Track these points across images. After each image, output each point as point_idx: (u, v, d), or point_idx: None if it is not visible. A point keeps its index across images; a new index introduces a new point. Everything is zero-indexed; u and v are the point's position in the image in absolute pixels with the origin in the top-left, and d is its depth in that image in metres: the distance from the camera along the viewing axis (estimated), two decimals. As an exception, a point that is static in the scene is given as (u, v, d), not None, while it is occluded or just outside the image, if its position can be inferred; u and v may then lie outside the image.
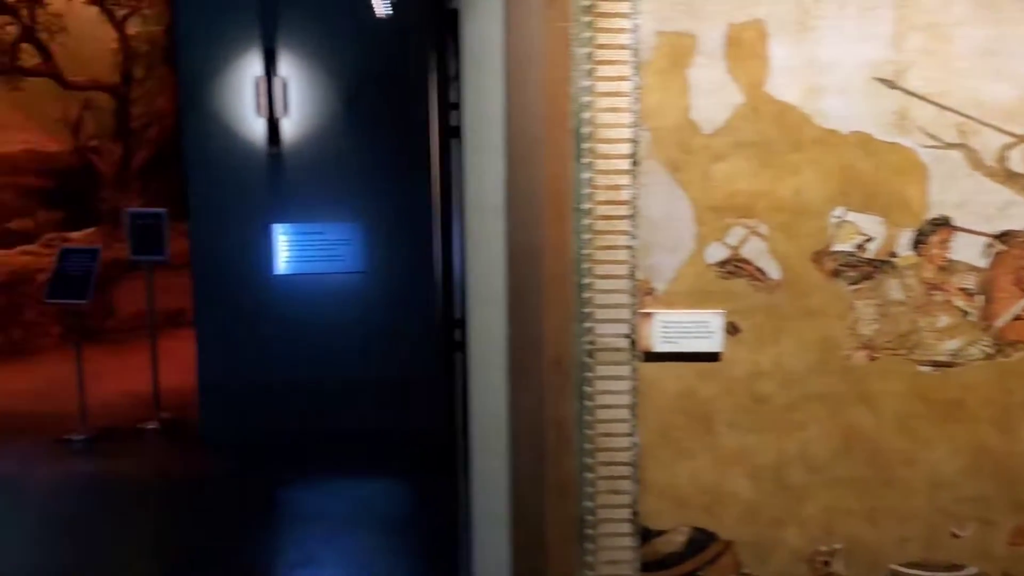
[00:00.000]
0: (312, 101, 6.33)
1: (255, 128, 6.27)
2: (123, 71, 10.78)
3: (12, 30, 9.48)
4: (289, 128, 6.32)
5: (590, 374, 2.24)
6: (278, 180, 6.35)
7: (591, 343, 2.24)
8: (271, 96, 6.16)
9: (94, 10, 10.29)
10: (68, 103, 10.68)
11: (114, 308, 10.09)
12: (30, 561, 4.66)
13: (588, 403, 2.25)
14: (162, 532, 5.10)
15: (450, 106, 2.67)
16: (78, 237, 10.61)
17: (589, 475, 2.26)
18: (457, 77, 2.73)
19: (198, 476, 5.80)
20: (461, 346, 2.72)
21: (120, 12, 10.40)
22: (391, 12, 4.15)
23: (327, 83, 6.34)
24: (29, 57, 9.81)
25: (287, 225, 6.34)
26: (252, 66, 6.21)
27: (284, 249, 6.37)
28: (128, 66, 10.77)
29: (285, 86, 6.24)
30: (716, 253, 2.25)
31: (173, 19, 6.36)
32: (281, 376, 6.44)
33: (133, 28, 10.78)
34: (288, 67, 6.26)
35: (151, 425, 6.75)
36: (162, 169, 11.02)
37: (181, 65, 6.21)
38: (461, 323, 2.69)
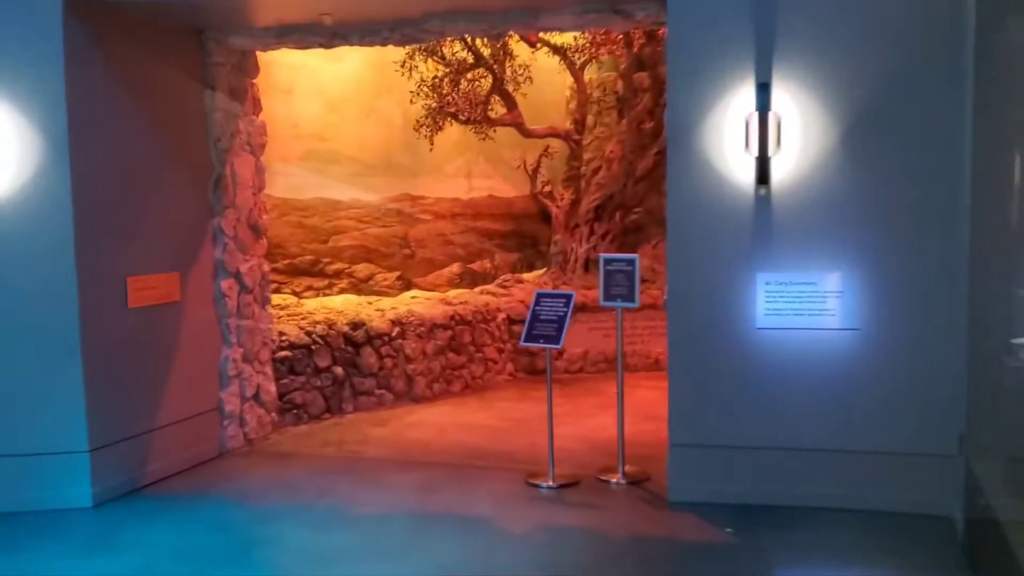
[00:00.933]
0: (807, 137, 5.71)
1: (742, 167, 5.79)
2: (577, 118, 11.05)
3: (485, 83, 10.06)
4: (780, 167, 5.75)
5: None
6: (765, 223, 5.80)
7: None
8: (763, 133, 5.65)
9: (555, 59, 10.65)
10: (525, 150, 11.19)
11: (563, 348, 10.23)
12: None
13: None
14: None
15: None
16: (530, 279, 11.02)
17: None
18: None
19: (677, 542, 5.34)
20: None
21: (579, 60, 10.65)
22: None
23: (825, 117, 5.69)
24: (497, 107, 10.35)
25: (773, 273, 5.77)
26: (743, 102, 5.75)
27: (768, 300, 5.79)
28: (583, 113, 11.02)
29: (779, 122, 5.69)
30: None
31: (664, 57, 6.12)
32: (760, 439, 5.85)
33: (587, 75, 11.02)
34: (782, 101, 5.71)
35: (614, 478, 6.49)
36: (609, 213, 11.12)
37: (670, 103, 5.92)
38: None
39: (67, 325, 5.94)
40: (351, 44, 7.14)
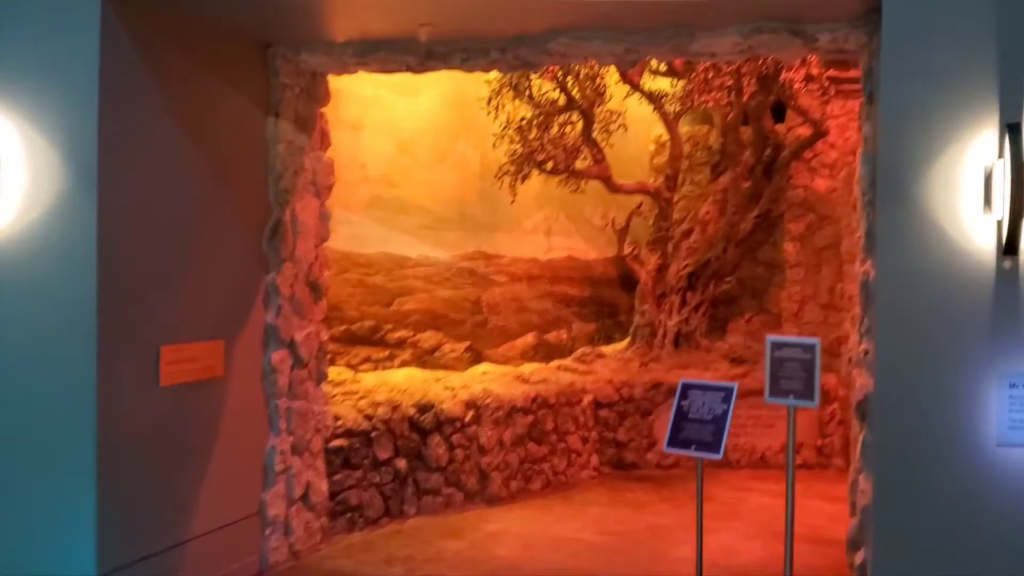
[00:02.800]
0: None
1: (981, 232, 4.37)
2: (669, 174, 9.70)
3: (575, 129, 8.72)
4: (1031, 233, 4.34)
5: None
6: (1011, 306, 4.36)
7: None
8: (1016, 188, 4.23)
9: (648, 108, 9.34)
10: (607, 206, 9.84)
11: (655, 439, 8.74)
12: None
13: None
14: None
15: None
16: (611, 353, 9.57)
17: None
18: None
19: None
20: None
21: (674, 109, 9.33)
22: None
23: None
24: (582, 158, 9.01)
25: (1022, 374, 4.31)
26: (983, 147, 4.37)
27: (1015, 408, 4.33)
28: (675, 168, 9.67)
29: (1032, 173, 4.30)
30: None
31: (873, 100, 4.78)
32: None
33: (680, 127, 9.71)
34: (1033, 147, 4.32)
35: (782, 629, 4.97)
36: (704, 282, 9.69)
37: (883, 147, 4.54)
38: None
39: (80, 408, 4.50)
40: (449, 67, 5.82)
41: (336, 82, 6.58)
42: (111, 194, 4.57)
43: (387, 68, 5.97)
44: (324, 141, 6.37)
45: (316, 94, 6.21)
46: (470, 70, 5.92)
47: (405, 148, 7.89)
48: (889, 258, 4.53)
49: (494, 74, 7.86)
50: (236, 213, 5.62)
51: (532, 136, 8.36)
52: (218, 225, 5.46)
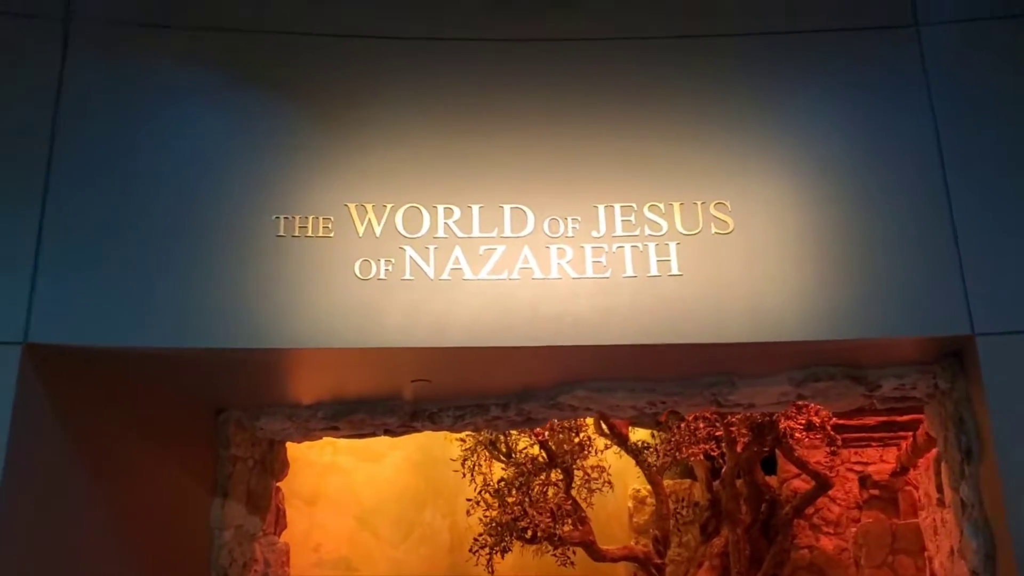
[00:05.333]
0: None
1: None
2: (657, 535, 8.59)
3: (558, 490, 7.67)
4: None
5: None
6: None
7: None
8: None
9: (626, 460, 8.45)
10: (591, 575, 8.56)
11: None
12: None
13: None
14: None
15: None
16: None
17: None
18: None
19: None
20: None
21: (654, 462, 8.45)
22: None
23: None
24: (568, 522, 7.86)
25: None
26: None
27: None
28: (664, 529, 8.58)
29: None
30: None
31: (972, 456, 3.95)
32: None
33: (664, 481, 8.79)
34: None
35: None
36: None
37: (1014, 528, 3.62)
38: None
39: None
40: (438, 427, 4.87)
41: (291, 449, 5.55)
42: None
43: (361, 432, 4.99)
44: (279, 522, 5.19)
45: (272, 466, 5.12)
46: (461, 430, 5.00)
47: (365, 522, 6.71)
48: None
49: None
50: (163, 627, 4.26)
51: (512, 499, 7.25)
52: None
